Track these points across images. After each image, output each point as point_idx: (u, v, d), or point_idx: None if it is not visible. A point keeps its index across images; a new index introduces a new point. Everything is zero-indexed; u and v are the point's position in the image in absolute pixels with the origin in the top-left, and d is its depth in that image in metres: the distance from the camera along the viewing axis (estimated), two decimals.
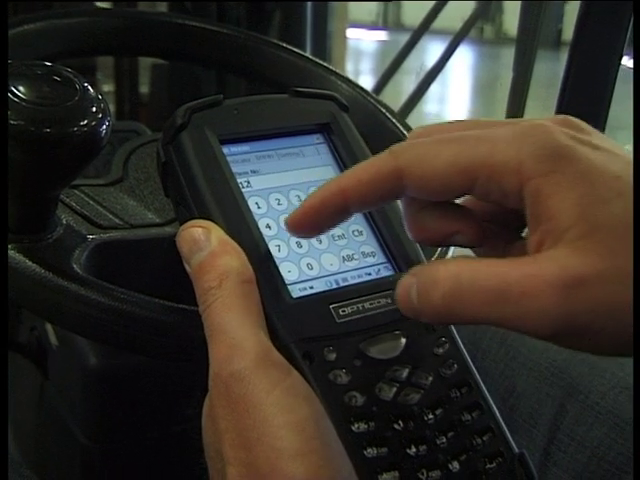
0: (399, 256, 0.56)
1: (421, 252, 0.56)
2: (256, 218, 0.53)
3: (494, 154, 0.45)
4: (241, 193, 0.54)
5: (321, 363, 0.49)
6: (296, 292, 0.52)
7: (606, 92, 1.63)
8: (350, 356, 0.50)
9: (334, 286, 0.53)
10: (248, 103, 0.58)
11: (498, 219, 0.52)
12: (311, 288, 0.52)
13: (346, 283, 0.54)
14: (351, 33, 4.80)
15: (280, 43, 0.91)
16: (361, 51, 8.45)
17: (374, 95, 0.88)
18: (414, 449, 0.48)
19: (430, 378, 0.51)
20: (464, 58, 7.72)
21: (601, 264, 0.41)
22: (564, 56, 1.66)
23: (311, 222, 0.50)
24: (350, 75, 0.92)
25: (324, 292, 0.52)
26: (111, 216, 0.73)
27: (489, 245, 0.51)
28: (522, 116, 2.04)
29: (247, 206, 0.53)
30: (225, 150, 0.55)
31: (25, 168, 0.59)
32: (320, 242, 0.55)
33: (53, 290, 0.58)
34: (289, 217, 0.50)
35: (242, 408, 0.45)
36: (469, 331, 0.94)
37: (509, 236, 0.52)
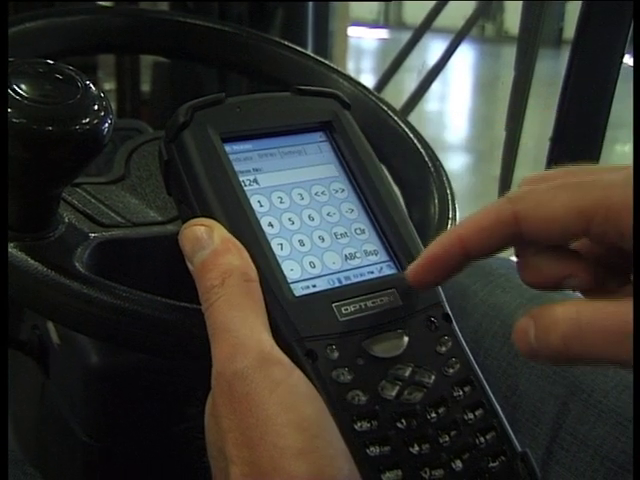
0: (401, 255, 0.56)
1: (424, 251, 0.56)
2: (258, 216, 0.53)
3: (611, 196, 0.45)
4: (243, 191, 0.54)
5: (324, 361, 0.49)
6: (298, 290, 0.52)
7: (607, 90, 1.64)
8: (353, 354, 0.50)
9: (336, 284, 0.53)
10: (250, 101, 0.58)
11: (609, 263, 0.52)
12: (314, 286, 0.52)
13: (348, 281, 0.54)
14: (352, 31, 4.80)
15: (282, 41, 0.91)
16: (362, 49, 8.45)
17: (376, 93, 0.88)
18: (417, 448, 0.48)
19: (433, 377, 0.51)
20: (465, 57, 7.72)
21: None
22: (565, 54, 1.66)
23: (432, 272, 0.50)
24: (351, 73, 0.92)
25: (326, 290, 0.52)
26: (113, 214, 0.73)
27: (599, 289, 0.51)
28: (523, 114, 2.03)
29: (249, 204, 0.53)
30: (227, 148, 0.55)
31: (27, 166, 0.58)
32: (323, 240, 0.55)
33: (55, 288, 0.58)
34: (409, 269, 0.51)
35: (245, 407, 0.45)
36: (471, 330, 0.94)
37: (619, 280, 0.52)
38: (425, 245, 0.57)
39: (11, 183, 0.59)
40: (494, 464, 0.50)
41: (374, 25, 9.50)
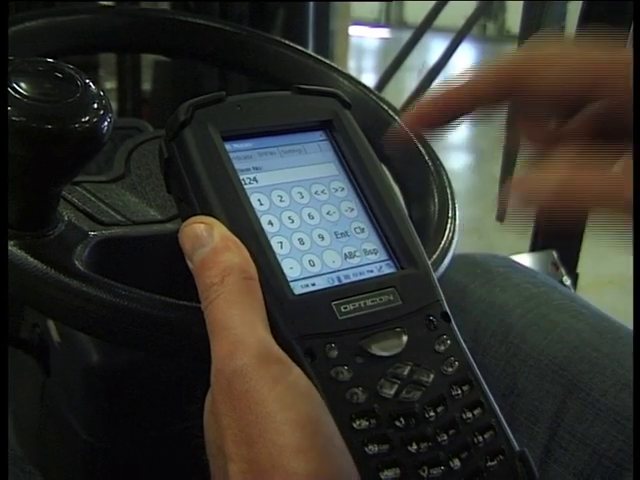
0: (401, 253, 0.56)
1: (423, 250, 0.57)
2: (258, 215, 0.53)
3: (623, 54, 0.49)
4: (243, 190, 0.54)
5: (323, 360, 0.49)
6: (298, 289, 0.52)
7: None
8: (352, 353, 0.50)
9: (336, 283, 0.53)
10: (251, 100, 0.58)
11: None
12: (313, 285, 0.52)
13: (348, 280, 0.54)
14: (354, 31, 4.80)
15: (282, 40, 0.91)
16: (364, 49, 8.45)
17: (376, 92, 0.88)
18: (415, 446, 0.48)
19: (431, 375, 0.51)
20: (467, 56, 7.72)
21: None
22: None
23: (438, 108, 0.52)
24: (353, 73, 0.92)
25: (326, 289, 0.52)
26: (113, 213, 0.73)
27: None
28: None
29: (249, 203, 0.53)
30: (228, 147, 0.55)
31: (27, 164, 0.59)
32: (322, 239, 0.55)
33: (55, 286, 0.58)
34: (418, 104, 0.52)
35: (244, 404, 0.46)
36: (470, 328, 0.95)
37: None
38: (424, 245, 0.57)
39: (11, 181, 0.59)
40: (492, 463, 0.50)
41: (375, 24, 9.50)
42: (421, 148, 0.82)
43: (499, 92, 0.52)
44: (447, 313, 0.54)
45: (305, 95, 0.60)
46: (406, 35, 2.84)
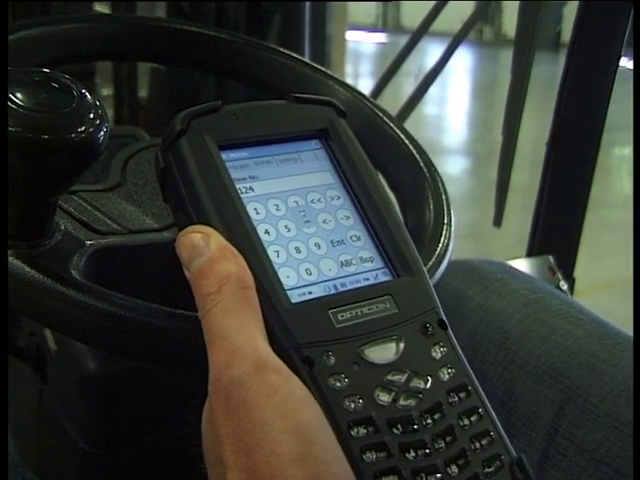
0: (397, 261, 0.56)
1: (418, 257, 0.57)
2: (255, 224, 0.53)
3: None
4: (240, 199, 0.54)
5: (320, 368, 0.49)
6: (295, 297, 0.52)
7: (604, 93, 1.64)
8: (349, 361, 0.50)
9: (333, 291, 0.53)
10: (247, 109, 0.58)
11: None
12: (310, 293, 0.53)
13: (345, 288, 0.54)
14: (350, 36, 4.80)
15: (278, 48, 0.91)
16: (361, 53, 8.45)
17: (372, 99, 0.88)
18: (413, 453, 0.48)
19: (428, 383, 0.51)
20: (464, 60, 7.72)
21: None
22: (563, 57, 1.66)
23: None
24: (350, 78, 0.92)
25: (323, 297, 0.53)
26: (109, 222, 0.73)
27: None
28: (520, 117, 2.04)
29: (246, 212, 0.53)
30: (224, 156, 0.55)
31: (23, 174, 0.59)
32: (319, 247, 0.55)
33: (51, 296, 0.58)
34: None
35: (242, 413, 0.46)
36: (467, 335, 0.95)
37: None
38: (420, 252, 0.57)
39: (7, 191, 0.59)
40: (489, 469, 0.50)
41: (372, 29, 9.49)
42: (416, 155, 0.83)
43: None
44: (443, 320, 0.54)
45: (300, 104, 0.60)
46: (403, 39, 2.84)
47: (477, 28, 8.31)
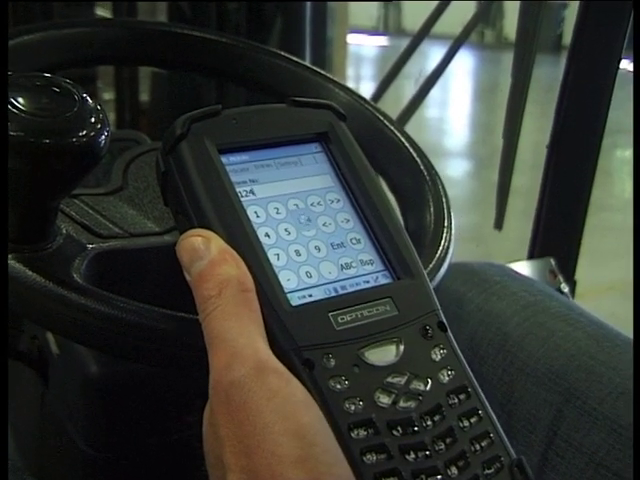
0: (397, 264, 0.56)
1: (419, 260, 0.57)
2: (255, 227, 0.53)
3: None
4: (240, 202, 0.54)
5: (320, 370, 0.49)
6: (295, 300, 0.52)
7: (605, 96, 1.64)
8: (349, 363, 0.50)
9: (333, 294, 0.53)
10: (246, 113, 0.58)
11: None
12: (310, 296, 0.53)
13: (345, 291, 0.54)
14: (352, 39, 4.81)
15: (279, 52, 0.91)
16: (362, 57, 8.45)
17: (372, 103, 0.88)
18: (413, 455, 0.48)
19: (428, 385, 0.51)
20: (465, 63, 7.73)
21: None
22: (564, 60, 1.67)
23: None
24: (351, 81, 0.93)
25: (323, 300, 0.53)
26: (111, 225, 0.73)
27: None
28: (521, 121, 2.04)
29: (246, 215, 0.54)
30: (224, 160, 0.55)
31: (25, 178, 0.59)
32: (319, 250, 0.55)
33: (53, 299, 0.59)
34: None
35: (242, 415, 0.46)
36: (467, 337, 0.95)
37: None
38: (420, 255, 0.58)
39: (9, 195, 0.59)
40: (489, 471, 0.50)
41: (373, 32, 9.50)
42: (417, 158, 0.83)
43: None
44: (443, 322, 0.54)
45: (300, 107, 0.60)
46: (405, 42, 2.84)
47: (478, 31, 8.32)
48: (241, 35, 2.31)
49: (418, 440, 0.49)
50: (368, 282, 0.55)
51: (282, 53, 0.91)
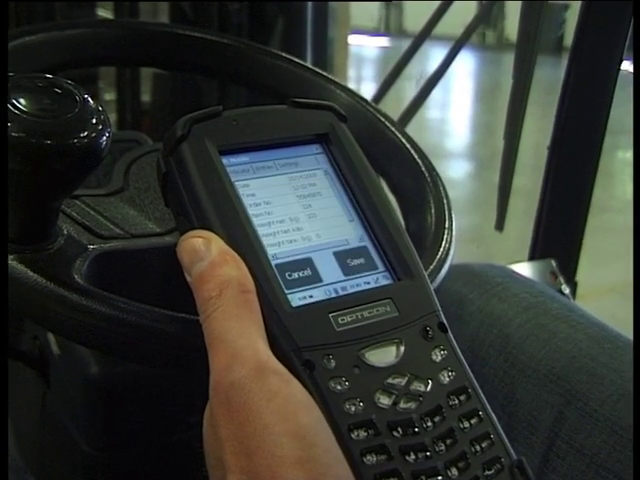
0: (397, 265, 0.56)
1: (419, 261, 0.57)
2: (256, 228, 0.53)
3: None
4: (241, 203, 0.54)
5: (321, 371, 0.49)
6: (296, 301, 0.52)
7: (606, 97, 1.64)
8: (349, 364, 0.50)
9: (333, 295, 0.54)
10: (247, 114, 0.58)
11: None
12: (310, 297, 0.53)
13: (345, 292, 0.54)
14: (353, 40, 4.81)
15: (280, 53, 0.91)
16: (363, 57, 8.46)
17: (373, 104, 0.88)
18: (413, 456, 0.48)
19: (428, 386, 0.51)
20: (467, 64, 7.73)
21: None
22: (565, 61, 1.67)
23: None
24: (352, 82, 0.93)
25: (323, 301, 0.53)
26: (112, 226, 0.73)
27: None
28: (522, 122, 2.04)
29: (247, 216, 0.54)
30: (225, 161, 0.55)
31: (26, 179, 0.59)
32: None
33: (54, 300, 0.59)
34: None
35: (243, 416, 0.46)
36: (468, 338, 0.95)
37: None
38: (421, 256, 0.58)
39: (10, 196, 0.59)
40: (490, 472, 0.50)
41: (375, 33, 9.51)
42: (418, 159, 0.83)
43: None
44: (444, 323, 0.54)
45: (301, 108, 0.60)
46: (406, 43, 2.84)
47: (479, 32, 8.32)
48: (242, 36, 2.31)
49: (418, 441, 0.49)
50: (369, 283, 0.55)
51: (283, 54, 0.91)
